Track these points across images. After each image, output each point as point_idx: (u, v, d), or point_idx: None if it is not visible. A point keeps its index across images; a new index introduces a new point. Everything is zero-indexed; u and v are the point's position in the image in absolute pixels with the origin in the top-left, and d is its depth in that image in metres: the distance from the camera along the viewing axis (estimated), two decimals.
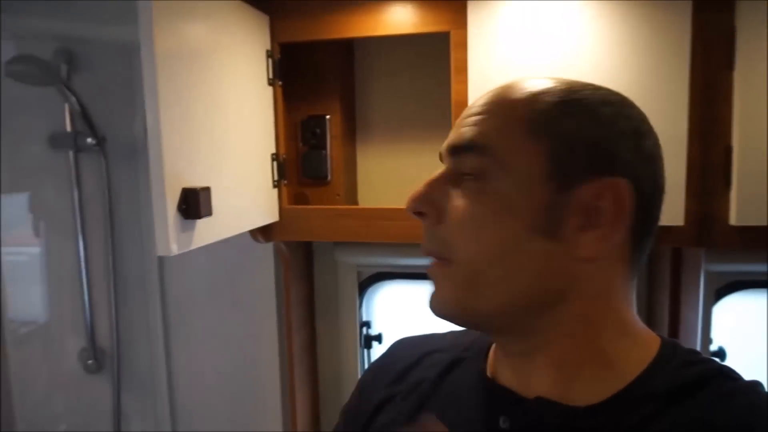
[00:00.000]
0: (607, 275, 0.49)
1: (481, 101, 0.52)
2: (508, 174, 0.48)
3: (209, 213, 0.77)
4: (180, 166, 0.73)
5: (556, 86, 0.49)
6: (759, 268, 1.02)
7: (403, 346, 0.70)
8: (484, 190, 0.48)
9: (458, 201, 0.50)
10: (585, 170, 0.47)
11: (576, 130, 0.47)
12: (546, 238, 0.47)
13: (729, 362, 0.50)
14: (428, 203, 0.50)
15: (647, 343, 0.52)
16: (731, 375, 0.49)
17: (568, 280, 0.48)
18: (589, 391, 0.49)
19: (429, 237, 0.52)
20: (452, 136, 0.52)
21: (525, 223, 0.47)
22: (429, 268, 0.52)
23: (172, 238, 0.71)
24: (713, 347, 1.08)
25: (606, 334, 0.51)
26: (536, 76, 0.51)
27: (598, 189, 0.46)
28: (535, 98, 0.49)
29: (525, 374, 0.52)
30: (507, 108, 0.50)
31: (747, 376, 0.49)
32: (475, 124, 0.50)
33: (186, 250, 0.74)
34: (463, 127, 0.51)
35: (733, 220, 0.83)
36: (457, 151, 0.51)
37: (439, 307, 0.52)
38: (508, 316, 0.50)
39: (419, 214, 0.51)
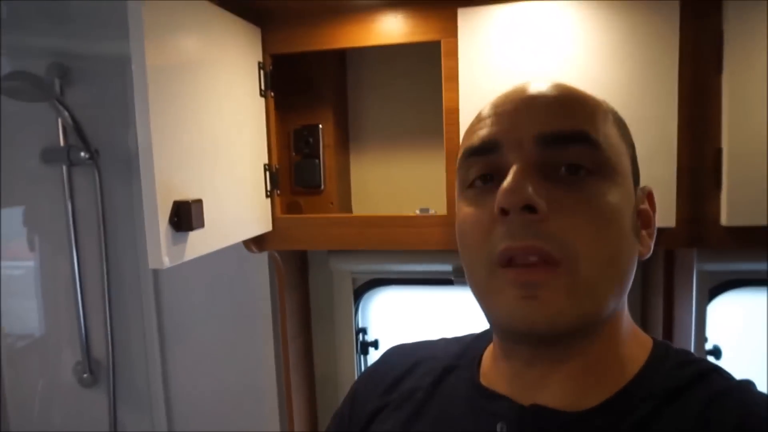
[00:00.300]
0: None
1: (557, 91, 0.49)
2: (617, 171, 0.48)
3: (201, 225, 0.77)
4: (171, 178, 0.73)
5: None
6: (751, 266, 1.03)
7: (395, 353, 0.70)
8: (601, 189, 0.46)
9: (573, 196, 0.45)
10: (637, 178, 0.52)
11: (632, 141, 0.52)
12: (635, 237, 0.50)
13: (724, 360, 0.51)
14: (539, 196, 0.44)
15: (642, 343, 0.53)
16: (724, 374, 0.50)
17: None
18: (588, 395, 0.49)
19: (534, 232, 0.45)
20: (548, 125, 0.46)
21: (629, 223, 0.48)
22: (523, 272, 0.45)
23: (164, 251, 0.71)
24: (708, 346, 1.09)
25: (624, 335, 0.52)
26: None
27: (642, 195, 0.52)
28: (605, 103, 0.52)
29: (529, 383, 0.51)
30: (595, 105, 0.50)
31: (743, 373, 0.50)
32: (574, 112, 0.47)
33: (178, 262, 0.74)
34: (553, 115, 0.47)
35: (725, 220, 0.84)
36: (563, 140, 0.46)
37: (552, 320, 0.45)
38: (604, 321, 0.48)
39: (525, 208, 0.44)
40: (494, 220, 0.47)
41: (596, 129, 0.47)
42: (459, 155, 0.53)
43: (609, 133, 0.48)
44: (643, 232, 0.51)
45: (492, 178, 0.49)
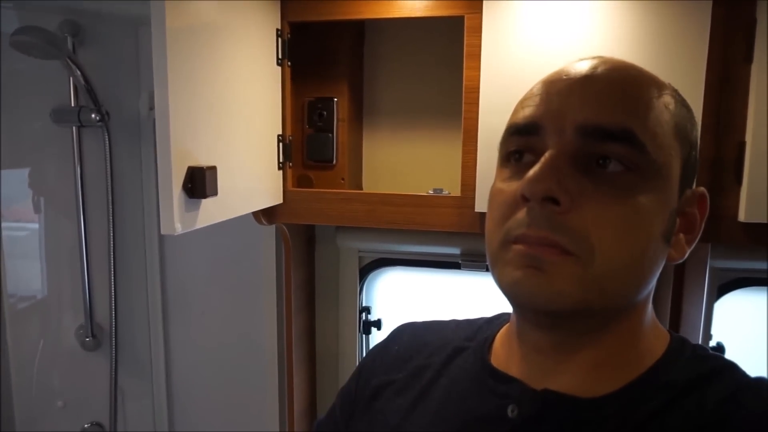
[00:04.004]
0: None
1: (614, 75, 0.47)
2: (657, 173, 0.45)
3: (215, 193, 0.76)
4: (187, 143, 0.72)
5: (668, 85, 0.50)
6: (763, 265, 1.02)
7: (405, 331, 0.69)
8: (635, 188, 0.45)
9: (600, 192, 0.44)
10: (689, 180, 0.49)
11: (694, 140, 0.50)
12: (665, 242, 0.48)
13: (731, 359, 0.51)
14: (565, 189, 0.43)
15: (659, 337, 0.53)
16: (740, 371, 0.50)
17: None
18: (602, 384, 0.49)
19: (552, 224, 0.44)
20: (593, 115, 0.45)
21: (659, 226, 0.46)
22: (539, 249, 0.44)
23: (177, 217, 0.71)
24: (712, 343, 1.09)
25: (644, 331, 0.51)
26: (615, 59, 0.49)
27: (692, 197, 0.50)
28: (670, 96, 0.48)
29: (541, 369, 0.51)
30: (658, 102, 0.47)
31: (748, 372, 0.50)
32: (625, 105, 0.45)
33: (190, 229, 0.74)
34: (603, 105, 0.45)
35: (742, 216, 0.83)
36: (605, 135, 0.44)
37: (552, 298, 0.45)
38: (604, 315, 0.48)
39: (548, 199, 0.44)
40: (518, 203, 0.46)
41: (645, 128, 0.45)
42: (506, 127, 0.52)
43: (660, 132, 0.46)
44: (681, 236, 0.49)
45: (527, 155, 0.49)
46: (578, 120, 0.45)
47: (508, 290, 0.47)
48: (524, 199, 0.45)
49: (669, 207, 0.47)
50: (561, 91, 0.47)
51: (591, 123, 0.45)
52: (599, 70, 0.47)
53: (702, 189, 0.51)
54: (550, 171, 0.44)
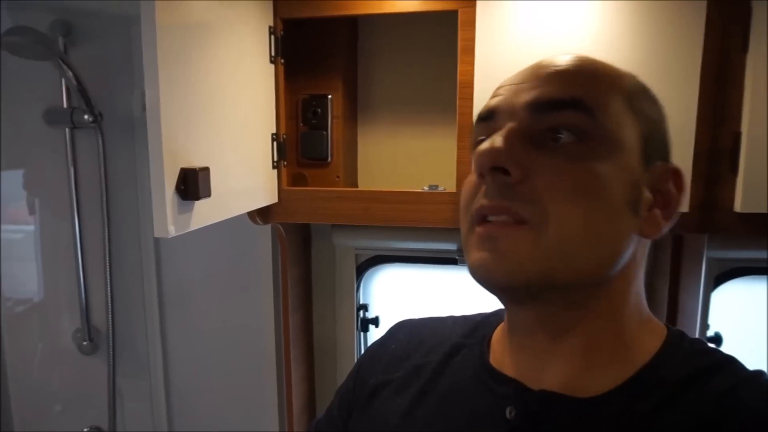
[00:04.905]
0: (642, 256, 0.52)
1: (566, 62, 0.49)
2: (611, 141, 0.47)
3: (208, 194, 0.75)
4: (179, 144, 0.71)
5: (627, 72, 0.52)
6: (760, 254, 1.02)
7: (402, 329, 0.69)
8: (585, 153, 0.46)
9: (552, 161, 0.46)
10: (655, 155, 0.50)
11: (654, 116, 0.51)
12: (632, 212, 0.48)
13: (724, 348, 0.50)
14: (513, 159, 0.45)
15: (656, 331, 0.53)
16: (740, 365, 0.49)
17: (628, 257, 0.49)
18: (600, 380, 0.49)
19: (505, 193, 0.46)
20: (540, 92, 0.47)
21: (620, 194, 0.47)
22: (490, 227, 0.46)
23: (170, 220, 0.70)
24: (709, 333, 1.09)
25: (629, 319, 0.51)
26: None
27: (664, 173, 0.50)
28: (625, 76, 0.51)
29: (538, 364, 0.51)
30: (606, 76, 0.49)
31: (744, 362, 0.50)
32: (573, 81, 0.47)
33: (184, 231, 0.73)
34: (552, 83, 0.47)
35: (738, 207, 0.83)
36: (553, 106, 0.47)
37: (510, 271, 0.45)
38: (576, 289, 0.48)
39: (498, 170, 0.46)
40: (479, 185, 0.49)
41: (593, 97, 0.47)
42: None
43: (610, 103, 0.47)
44: (657, 212, 0.49)
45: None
46: (528, 99, 0.48)
47: (473, 275, 0.48)
48: (480, 176, 0.47)
49: (630, 177, 0.47)
50: (515, 80, 0.50)
51: (540, 98, 0.47)
52: (556, 59, 0.50)
53: (674, 165, 0.51)
54: (501, 143, 0.46)
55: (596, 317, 0.50)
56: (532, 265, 0.45)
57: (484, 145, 0.46)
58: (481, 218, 0.47)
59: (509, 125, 0.47)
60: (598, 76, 0.49)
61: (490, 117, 0.50)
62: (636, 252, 0.50)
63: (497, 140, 0.46)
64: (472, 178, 0.50)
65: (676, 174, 0.51)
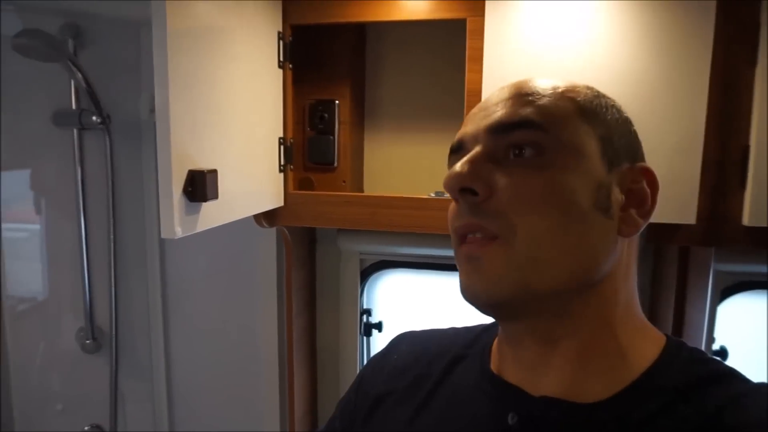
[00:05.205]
0: (630, 259, 0.52)
1: (515, 88, 0.52)
2: (568, 150, 0.49)
3: (215, 196, 0.76)
4: (187, 146, 0.71)
5: (581, 85, 0.54)
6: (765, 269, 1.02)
7: (404, 340, 0.70)
8: (544, 165, 0.48)
9: (514, 175, 0.48)
10: (622, 157, 0.51)
11: (612, 122, 0.52)
12: (602, 214, 0.49)
13: (730, 362, 0.50)
14: (478, 179, 0.48)
15: (654, 339, 0.53)
16: (741, 376, 0.49)
17: (611, 259, 0.50)
18: (598, 386, 0.49)
19: (475, 211, 0.48)
20: (497, 116, 0.50)
21: (586, 198, 0.48)
22: (469, 246, 0.49)
23: (177, 221, 0.70)
24: (715, 347, 1.08)
25: (622, 324, 0.51)
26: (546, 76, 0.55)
27: (633, 173, 0.51)
28: (576, 90, 0.53)
29: (535, 372, 0.52)
30: (554, 95, 0.51)
31: (749, 376, 0.49)
32: (523, 105, 0.50)
33: (191, 233, 0.73)
34: (502, 110, 0.50)
35: (746, 220, 0.82)
36: (508, 127, 0.49)
37: (489, 288, 0.48)
38: (559, 297, 0.49)
39: (466, 191, 0.49)
40: (456, 210, 0.51)
41: (541, 114, 0.49)
42: None
43: (559, 114, 0.50)
44: (632, 212, 0.50)
45: None
46: (487, 123, 0.51)
47: (463, 297, 0.51)
48: (455, 200, 0.50)
49: (593, 181, 0.49)
50: (477, 110, 0.54)
51: (496, 122, 0.50)
52: (505, 88, 0.53)
53: (643, 164, 0.53)
54: (469, 166, 0.49)
55: (587, 323, 0.50)
56: (507, 278, 0.47)
57: (451, 170, 0.50)
58: (461, 238, 0.50)
59: (474, 150, 0.50)
60: (543, 93, 0.51)
61: (459, 148, 0.53)
62: (622, 254, 0.51)
63: (463, 165, 0.49)
64: (452, 204, 0.53)
65: (647, 172, 0.52)
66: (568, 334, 0.50)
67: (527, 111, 0.49)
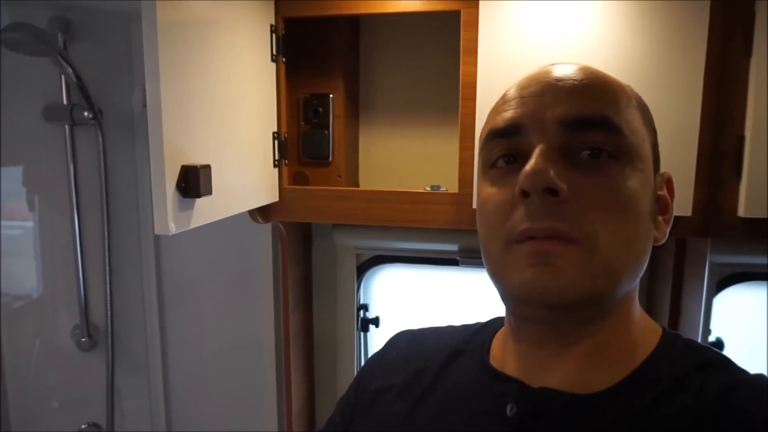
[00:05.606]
0: None
1: (581, 75, 0.49)
2: (637, 156, 0.48)
3: (209, 192, 0.75)
4: (180, 141, 0.71)
5: (624, 83, 0.53)
6: (763, 260, 1.02)
7: (403, 338, 0.70)
8: (623, 172, 0.47)
9: (593, 178, 0.46)
10: (658, 163, 0.52)
11: (654, 126, 0.53)
12: (652, 222, 0.50)
13: (726, 354, 0.51)
14: (562, 179, 0.45)
15: (652, 329, 0.54)
16: (735, 365, 0.50)
17: None
18: (599, 378, 0.49)
19: (552, 214, 0.45)
20: (572, 109, 0.47)
21: (646, 206, 0.49)
22: (545, 244, 0.45)
23: (171, 217, 0.69)
24: (711, 338, 1.08)
25: (635, 321, 0.52)
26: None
27: (660, 180, 0.53)
28: (630, 88, 0.52)
29: (540, 370, 0.51)
30: (619, 89, 0.50)
31: (745, 367, 0.50)
32: (597, 98, 0.48)
33: (184, 229, 0.73)
34: (577, 99, 0.47)
35: (742, 211, 0.82)
36: (585, 125, 0.47)
37: (564, 289, 0.45)
38: (611, 303, 0.49)
39: (547, 191, 0.45)
40: (515, 201, 0.47)
41: (618, 114, 0.48)
42: (483, 135, 0.54)
43: (631, 118, 0.49)
44: (660, 218, 0.52)
45: (515, 159, 0.50)
46: (558, 115, 0.47)
47: (519, 291, 0.47)
48: (524, 194, 0.46)
49: (650, 189, 0.50)
50: (535, 93, 0.49)
51: (570, 115, 0.47)
52: (569, 71, 0.50)
53: (668, 173, 0.54)
54: (546, 163, 0.45)
55: (609, 326, 0.50)
56: (583, 284, 0.45)
57: (532, 165, 0.45)
58: (526, 239, 0.47)
59: (543, 145, 0.47)
60: (616, 90, 0.50)
61: (514, 132, 0.49)
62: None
63: (544, 162, 0.45)
64: (496, 195, 0.49)
65: (669, 181, 0.54)
66: (589, 336, 0.50)
67: (604, 108, 0.47)
